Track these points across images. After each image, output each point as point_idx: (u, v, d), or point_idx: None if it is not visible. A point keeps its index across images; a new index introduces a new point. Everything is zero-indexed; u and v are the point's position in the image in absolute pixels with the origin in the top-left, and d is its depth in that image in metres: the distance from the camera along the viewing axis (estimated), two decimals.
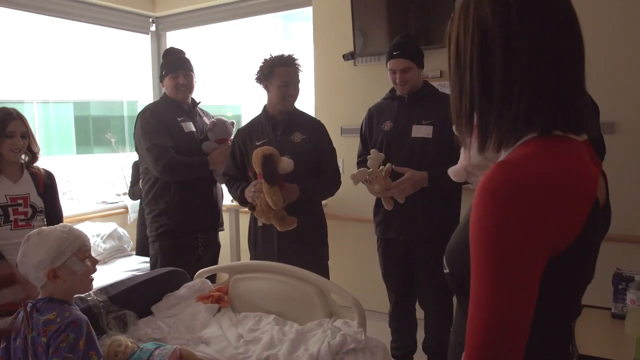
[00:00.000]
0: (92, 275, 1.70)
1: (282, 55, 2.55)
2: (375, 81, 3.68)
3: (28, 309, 1.54)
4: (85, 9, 4.32)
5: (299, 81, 2.59)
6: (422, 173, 2.41)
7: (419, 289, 2.63)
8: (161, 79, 2.98)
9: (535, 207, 0.75)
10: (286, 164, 2.38)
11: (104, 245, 3.86)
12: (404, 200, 2.45)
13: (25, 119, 2.48)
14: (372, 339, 1.95)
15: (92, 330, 1.55)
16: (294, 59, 2.56)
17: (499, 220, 0.75)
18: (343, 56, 3.73)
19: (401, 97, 2.57)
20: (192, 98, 3.03)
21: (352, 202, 3.70)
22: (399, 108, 2.57)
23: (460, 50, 0.89)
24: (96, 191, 5.22)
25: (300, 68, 2.58)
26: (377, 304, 3.66)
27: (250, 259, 2.69)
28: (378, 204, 2.66)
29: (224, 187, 3.08)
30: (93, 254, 3.76)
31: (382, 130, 2.59)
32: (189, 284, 2.37)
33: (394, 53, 2.46)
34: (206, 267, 2.53)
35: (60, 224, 1.67)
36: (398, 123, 2.55)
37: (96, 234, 3.88)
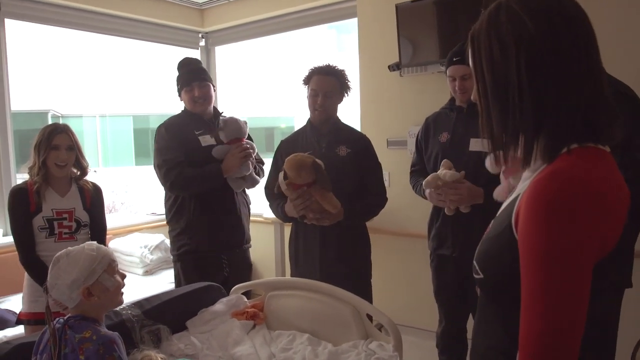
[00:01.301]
0: (122, 289, 1.70)
1: (321, 65, 2.51)
2: (422, 92, 3.58)
3: (59, 325, 1.55)
4: (139, 27, 4.47)
5: (335, 92, 2.50)
6: (479, 189, 2.28)
7: (473, 309, 2.48)
8: (178, 93, 2.86)
9: (588, 214, 0.77)
10: (321, 163, 2.33)
11: (151, 257, 3.93)
12: (469, 209, 2.31)
13: (72, 133, 2.51)
14: None
15: (124, 349, 1.55)
16: (332, 69, 2.50)
17: (554, 229, 0.77)
18: (389, 67, 3.65)
19: (460, 107, 2.45)
20: (214, 108, 2.91)
21: (399, 215, 3.59)
22: (457, 119, 2.45)
23: (497, 67, 0.86)
24: (150, 202, 5.34)
25: (340, 79, 2.51)
26: (426, 322, 3.54)
27: (291, 275, 2.65)
28: (433, 218, 2.54)
29: (252, 198, 3.01)
30: (141, 265, 3.85)
31: (438, 142, 2.48)
32: (225, 299, 2.34)
33: (454, 59, 2.36)
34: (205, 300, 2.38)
35: (87, 242, 1.67)
36: (455, 135, 2.43)
37: (144, 245, 3.97)
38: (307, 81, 2.54)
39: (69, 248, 1.61)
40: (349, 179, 2.47)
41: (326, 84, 2.47)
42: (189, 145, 2.71)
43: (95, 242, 1.67)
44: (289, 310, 2.25)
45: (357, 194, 2.49)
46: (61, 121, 8.65)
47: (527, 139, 0.85)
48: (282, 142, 2.69)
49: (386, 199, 2.58)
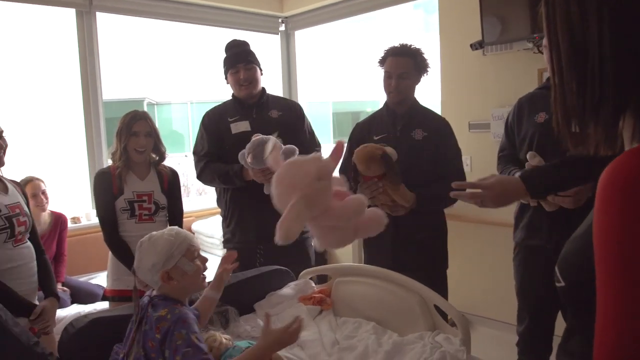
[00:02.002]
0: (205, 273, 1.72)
1: (396, 45, 2.41)
2: (507, 71, 3.36)
3: (144, 304, 1.61)
4: (221, 14, 4.57)
5: (410, 73, 2.38)
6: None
7: (563, 307, 2.23)
8: (225, 75, 2.78)
9: None
10: (393, 151, 2.22)
11: None
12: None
13: (151, 120, 2.60)
14: None
15: (197, 327, 1.59)
16: (407, 49, 2.38)
17: (627, 215, 0.64)
18: (471, 46, 3.46)
19: None
20: (263, 88, 2.80)
21: None
22: None
23: (575, 31, 0.73)
24: None
25: (415, 59, 2.38)
26: (504, 315, 3.37)
27: (364, 262, 2.60)
28: (524, 206, 2.27)
29: None
30: (221, 246, 3.96)
31: (533, 123, 2.21)
32: (293, 283, 2.35)
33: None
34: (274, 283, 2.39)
35: (168, 227, 1.71)
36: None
37: None
38: (382, 63, 2.44)
39: (152, 232, 1.65)
40: (425, 164, 2.36)
41: (400, 65, 2.37)
42: (221, 133, 2.71)
43: (176, 227, 1.70)
44: (357, 297, 2.21)
45: (433, 179, 2.38)
46: (155, 109, 9.15)
47: (609, 115, 0.72)
48: (356, 125, 2.62)
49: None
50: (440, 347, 1.77)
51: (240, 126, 2.68)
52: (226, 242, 2.82)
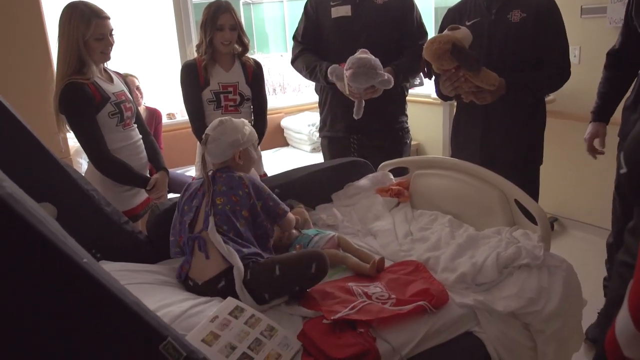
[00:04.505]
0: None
1: None
2: None
3: (210, 174, 1.76)
4: None
5: None
6: None
7: None
8: None
9: None
10: (465, 34, 2.02)
11: (317, 134, 4.05)
12: None
13: (235, 11, 2.57)
14: (554, 257, 1.64)
15: None
16: None
17: None
18: None
19: None
20: None
21: (585, 99, 3.09)
22: None
23: None
24: None
25: None
26: (598, 219, 3.16)
27: (451, 156, 2.49)
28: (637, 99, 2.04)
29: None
30: (308, 142, 4.04)
31: None
32: (371, 175, 2.33)
33: None
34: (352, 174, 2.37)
35: (240, 119, 1.84)
36: None
37: (312, 123, 4.10)
38: None
39: (230, 118, 1.83)
40: (523, 49, 2.14)
41: None
42: (320, 18, 2.63)
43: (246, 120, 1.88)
44: (435, 190, 2.15)
45: (532, 65, 2.16)
46: (252, 8, 9.08)
47: None
48: (448, 10, 2.39)
49: (568, 74, 2.19)
50: (516, 242, 1.69)
51: (340, 10, 2.57)
52: (320, 130, 2.84)
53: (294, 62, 2.74)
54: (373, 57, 2.28)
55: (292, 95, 5.02)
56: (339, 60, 2.40)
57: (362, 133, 2.62)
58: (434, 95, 2.47)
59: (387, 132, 2.64)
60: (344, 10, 2.55)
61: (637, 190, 0.71)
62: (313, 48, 2.67)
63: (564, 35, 2.18)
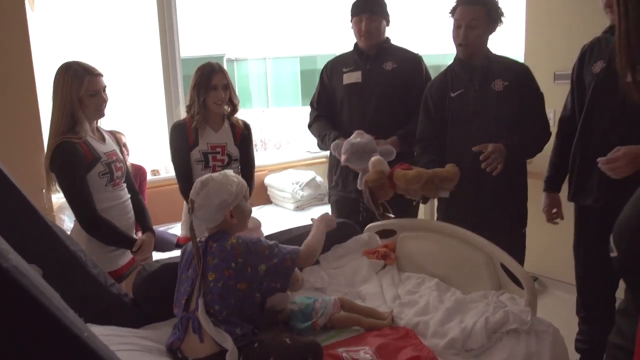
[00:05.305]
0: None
1: None
2: (599, 15, 3.06)
3: (202, 242, 1.70)
4: None
5: (481, 23, 2.22)
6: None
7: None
8: (351, 20, 2.71)
9: None
10: (386, 153, 2.18)
11: (301, 193, 4.10)
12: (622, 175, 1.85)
13: (226, 72, 2.62)
14: (541, 322, 1.67)
15: None
16: None
17: None
18: None
19: None
20: (387, 38, 2.71)
21: None
22: None
23: None
24: (310, 141, 5.54)
25: (486, 6, 2.21)
26: None
27: (437, 219, 2.53)
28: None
29: None
30: (292, 200, 4.04)
31: (590, 73, 2.09)
32: (357, 237, 2.35)
33: None
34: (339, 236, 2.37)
35: (224, 170, 1.80)
36: (612, 64, 2.00)
37: (295, 181, 4.14)
38: (452, 13, 2.30)
39: (210, 174, 1.76)
40: (509, 113, 2.24)
41: (469, 14, 2.21)
42: (334, 84, 2.75)
43: (231, 171, 1.82)
44: (421, 252, 2.18)
45: (517, 127, 2.25)
46: (235, 65, 9.31)
47: None
48: (430, 85, 2.46)
49: (550, 134, 2.30)
50: (504, 307, 1.71)
51: (352, 77, 2.68)
52: (331, 189, 2.89)
53: (310, 127, 2.85)
54: (368, 139, 2.33)
55: (275, 152, 5.09)
56: (352, 125, 2.52)
57: None
58: None
59: (395, 197, 2.69)
60: (355, 77, 2.67)
61: (628, 273, 0.73)
62: (327, 114, 2.78)
63: (543, 99, 2.31)
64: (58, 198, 2.94)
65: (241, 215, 1.76)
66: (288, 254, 1.71)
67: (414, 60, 2.68)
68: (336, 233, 2.34)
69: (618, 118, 1.98)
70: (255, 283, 1.63)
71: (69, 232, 2.08)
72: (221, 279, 1.59)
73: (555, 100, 3.30)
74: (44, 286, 0.83)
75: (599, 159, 1.88)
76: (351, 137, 2.39)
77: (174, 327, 1.65)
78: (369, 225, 2.42)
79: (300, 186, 4.13)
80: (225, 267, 1.60)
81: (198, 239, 1.71)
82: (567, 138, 2.25)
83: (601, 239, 2.06)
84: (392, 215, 2.21)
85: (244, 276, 1.61)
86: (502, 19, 2.28)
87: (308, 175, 4.27)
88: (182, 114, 2.74)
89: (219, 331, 1.52)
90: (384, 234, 2.42)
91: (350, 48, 2.79)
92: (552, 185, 2.38)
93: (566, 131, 2.26)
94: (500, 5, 2.26)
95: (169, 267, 1.86)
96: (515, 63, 2.39)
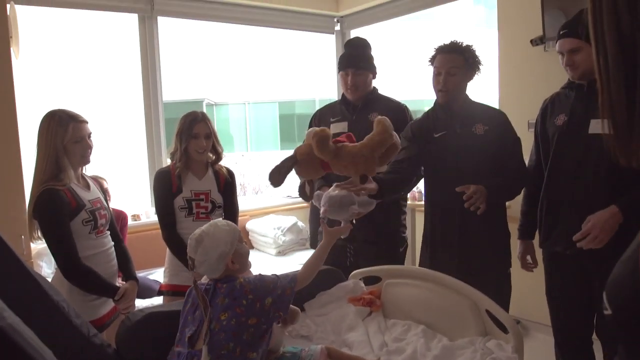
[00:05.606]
0: None
1: (446, 43, 2.36)
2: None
3: (209, 287, 1.72)
4: (277, 16, 4.64)
5: (460, 70, 2.32)
6: (611, 209, 1.92)
7: (600, 315, 2.14)
8: (338, 71, 2.81)
9: None
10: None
11: (283, 238, 4.09)
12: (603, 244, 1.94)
13: (209, 121, 2.66)
14: None
15: None
16: (456, 46, 2.33)
17: None
18: (531, 41, 3.34)
19: (580, 85, 2.14)
20: (374, 88, 2.79)
21: None
22: (577, 99, 2.15)
23: (623, 25, 0.67)
24: (291, 185, 5.56)
25: (465, 55, 2.32)
26: None
27: (420, 264, 2.55)
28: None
29: None
30: (274, 245, 4.03)
31: (553, 125, 2.21)
32: (342, 284, 2.35)
33: (561, 32, 2.10)
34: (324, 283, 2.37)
35: (216, 220, 1.81)
36: (573, 117, 2.13)
37: (277, 226, 4.14)
38: (432, 61, 2.41)
39: (202, 228, 1.77)
40: (488, 157, 2.32)
41: (449, 62, 2.32)
42: None
43: (221, 219, 1.85)
44: (407, 299, 2.18)
45: (496, 172, 2.33)
46: (214, 109, 9.41)
47: None
48: (412, 122, 2.55)
49: (528, 177, 2.37)
50: (491, 354, 1.72)
51: (338, 126, 2.73)
52: (318, 234, 2.85)
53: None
54: (345, 192, 2.18)
55: (254, 197, 5.10)
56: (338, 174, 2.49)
57: (358, 242, 2.66)
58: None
59: (383, 242, 2.69)
60: (341, 127, 2.71)
61: (623, 329, 0.72)
62: None
63: (520, 144, 2.39)
64: (37, 244, 2.88)
65: (241, 258, 1.79)
66: (288, 283, 1.78)
67: (398, 110, 2.74)
68: (321, 280, 2.34)
69: (583, 164, 2.07)
70: (263, 317, 1.67)
71: (49, 279, 2.04)
72: (234, 317, 1.62)
73: (530, 148, 3.42)
74: (38, 344, 0.82)
75: (574, 237, 1.97)
76: (329, 189, 2.37)
77: None
78: (354, 272, 2.42)
79: (282, 231, 4.12)
80: (237, 305, 1.64)
81: (205, 282, 1.76)
82: (534, 187, 2.33)
83: (574, 284, 2.16)
84: (373, 186, 2.11)
85: (254, 311, 1.65)
86: (480, 67, 2.39)
87: (290, 220, 4.27)
88: (165, 161, 2.75)
89: None
90: (369, 280, 2.42)
91: (330, 96, 2.87)
92: (524, 234, 2.45)
93: (533, 181, 2.35)
94: (477, 54, 2.37)
95: (153, 316, 1.83)
96: (493, 109, 2.50)
